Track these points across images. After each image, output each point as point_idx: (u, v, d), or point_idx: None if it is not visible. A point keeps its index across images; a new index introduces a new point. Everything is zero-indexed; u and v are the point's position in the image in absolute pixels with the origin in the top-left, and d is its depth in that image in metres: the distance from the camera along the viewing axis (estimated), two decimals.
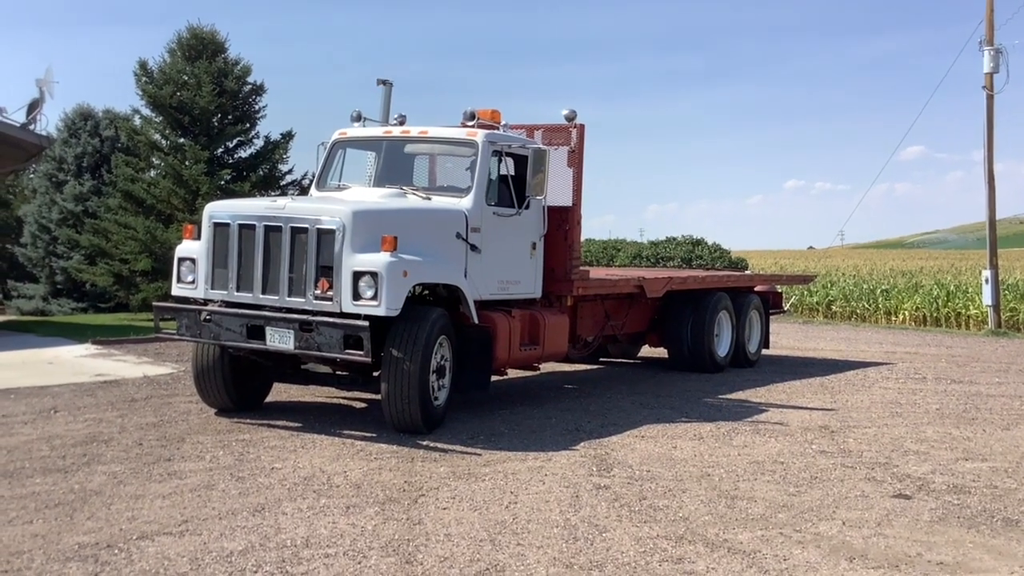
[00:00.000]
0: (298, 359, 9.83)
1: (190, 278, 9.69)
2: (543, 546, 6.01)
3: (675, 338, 14.32)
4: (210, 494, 7.08)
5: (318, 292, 8.93)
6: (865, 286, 35.00)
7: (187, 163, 22.55)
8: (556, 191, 11.18)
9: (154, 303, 10.00)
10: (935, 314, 29.90)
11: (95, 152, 30.64)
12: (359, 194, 10.37)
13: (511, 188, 10.51)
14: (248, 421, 9.66)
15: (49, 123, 21.36)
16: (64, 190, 30.19)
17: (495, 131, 10.59)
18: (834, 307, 32.22)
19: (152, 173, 24.08)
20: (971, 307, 28.51)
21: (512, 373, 11.08)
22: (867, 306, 31.84)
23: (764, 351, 16.15)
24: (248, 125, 23.83)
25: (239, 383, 9.97)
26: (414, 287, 9.16)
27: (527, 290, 10.95)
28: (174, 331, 9.55)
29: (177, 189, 22.50)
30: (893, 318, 30.81)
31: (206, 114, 22.84)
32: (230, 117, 23.55)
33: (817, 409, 11.27)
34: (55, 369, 13.29)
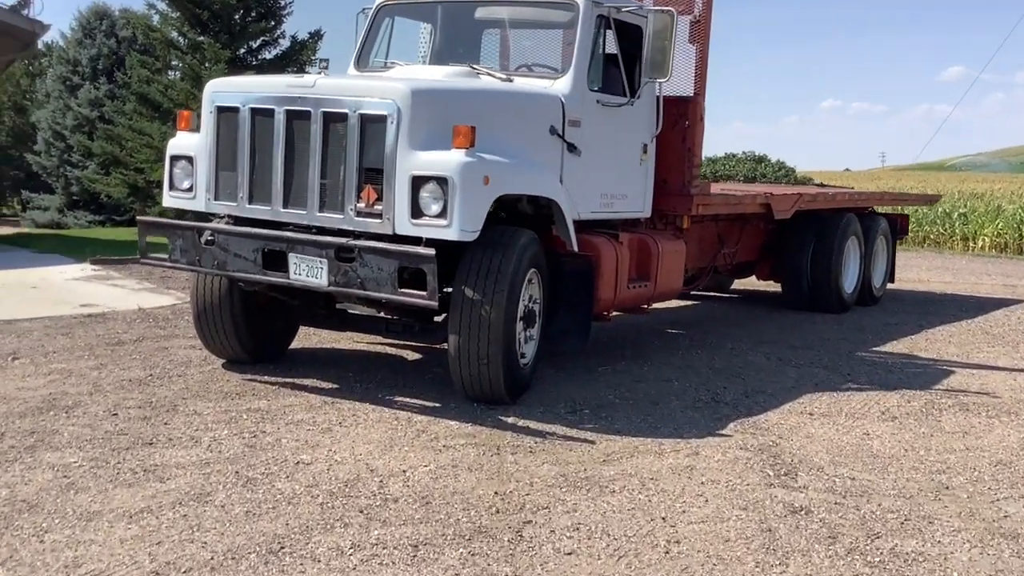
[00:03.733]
0: (333, 297, 7.27)
1: (186, 184, 7.08)
2: None
3: (793, 269, 11.61)
4: (202, 515, 4.59)
5: (362, 206, 6.31)
6: (941, 209, 32.15)
7: (207, 64, 20.27)
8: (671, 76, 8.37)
9: (138, 218, 7.41)
10: (1019, 241, 27.23)
11: (111, 54, 28.38)
12: (416, 72, 7.67)
13: (621, 68, 7.75)
14: (265, 378, 7.16)
15: (44, 8, 19.10)
16: (79, 94, 28.04)
17: None
18: None
19: (170, 75, 22.05)
20: None
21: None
22: (942, 231, 29.08)
23: (888, 285, 13.43)
24: (273, 23, 21.38)
25: (253, 327, 7.41)
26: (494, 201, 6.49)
27: (634, 207, 8.26)
28: (165, 256, 7.00)
29: (195, 92, 20.03)
30: (971, 244, 28.10)
31: (227, 9, 20.36)
32: (253, 14, 21.10)
33: (1019, 371, 8.58)
34: (37, 296, 10.86)
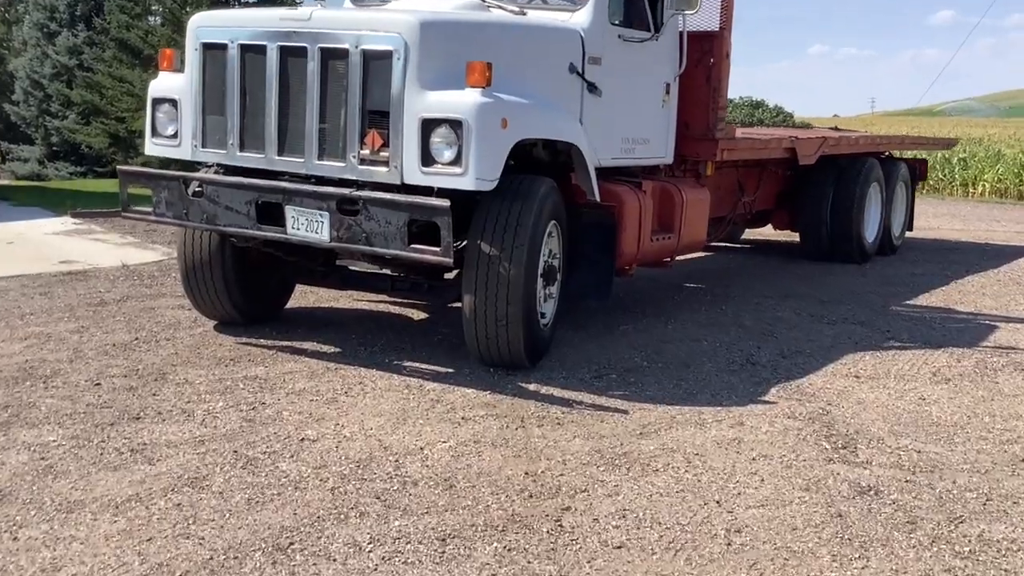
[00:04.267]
0: (333, 252, 6.69)
1: (170, 130, 6.45)
2: None
3: (812, 218, 11.05)
4: (197, 503, 4.05)
5: (366, 153, 5.70)
6: (940, 155, 31.61)
7: (188, 8, 19.43)
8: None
9: (119, 168, 6.78)
10: (1019, 186, 26.86)
11: None
12: (420, 4, 7.00)
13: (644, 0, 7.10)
14: (261, 342, 6.59)
15: None
16: (56, 42, 27.10)
17: None
18: None
19: (150, 20, 21.35)
20: None
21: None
22: (941, 176, 28.49)
23: (907, 233, 12.92)
24: None
25: (246, 285, 6.81)
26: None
27: (656, 152, 7.66)
28: (149, 209, 6.38)
29: (177, 37, 19.21)
30: (971, 189, 27.62)
31: None
32: None
33: None
34: (13, 252, 10.22)
